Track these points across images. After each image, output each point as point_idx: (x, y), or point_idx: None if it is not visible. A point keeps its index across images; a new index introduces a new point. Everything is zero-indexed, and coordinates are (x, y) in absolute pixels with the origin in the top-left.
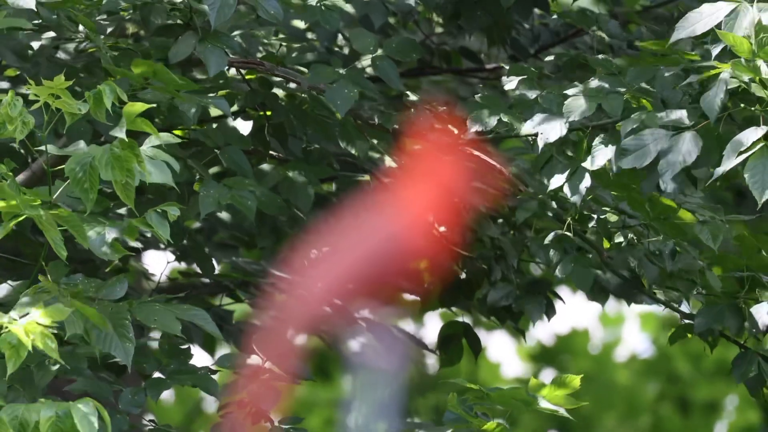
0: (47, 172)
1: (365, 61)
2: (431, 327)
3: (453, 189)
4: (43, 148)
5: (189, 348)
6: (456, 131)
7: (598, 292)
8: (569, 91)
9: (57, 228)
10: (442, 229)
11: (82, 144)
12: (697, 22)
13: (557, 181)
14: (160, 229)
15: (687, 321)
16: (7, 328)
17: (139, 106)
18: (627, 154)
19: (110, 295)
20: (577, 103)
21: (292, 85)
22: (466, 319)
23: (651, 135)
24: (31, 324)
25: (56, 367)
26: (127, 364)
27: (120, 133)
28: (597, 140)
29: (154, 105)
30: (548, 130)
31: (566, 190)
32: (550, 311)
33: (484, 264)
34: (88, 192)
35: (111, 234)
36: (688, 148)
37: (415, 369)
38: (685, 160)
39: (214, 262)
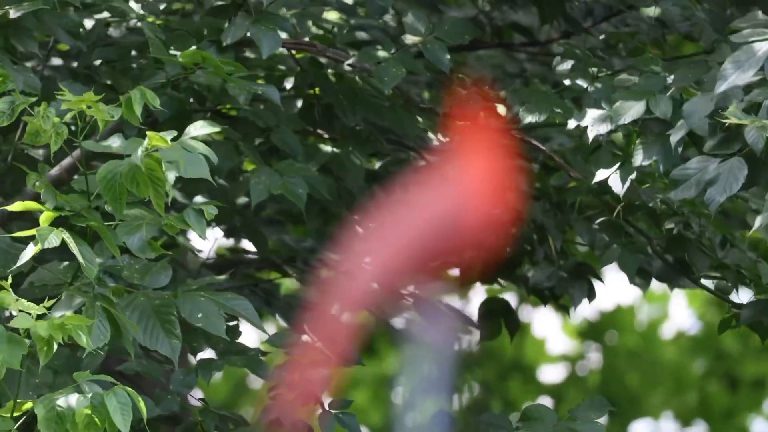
0: (84, 174)
1: (415, 38)
2: (477, 303)
3: (499, 168)
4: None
5: (237, 325)
6: (502, 111)
7: (641, 276)
8: (617, 95)
9: (86, 245)
10: (488, 207)
11: (117, 141)
12: (738, 69)
13: (603, 173)
14: (197, 228)
15: (735, 311)
16: (34, 326)
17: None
18: (676, 186)
19: (155, 283)
20: (627, 105)
21: (343, 65)
22: (512, 296)
23: (697, 165)
24: (55, 322)
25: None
26: (174, 360)
27: (137, 160)
28: (641, 139)
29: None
30: (598, 125)
31: (611, 182)
32: (591, 295)
33: (527, 243)
34: (118, 202)
35: (148, 233)
36: (734, 176)
37: (461, 344)
38: (731, 190)
39: (269, 239)
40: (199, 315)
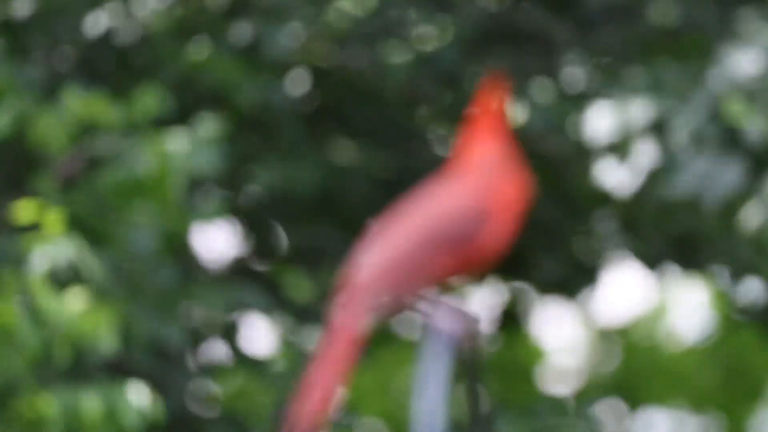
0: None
1: (424, 36)
2: (480, 301)
3: (511, 165)
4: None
5: (236, 324)
6: (511, 109)
7: (651, 266)
8: (623, 95)
9: (94, 258)
10: (501, 205)
11: (124, 140)
12: (738, 59)
13: (607, 175)
14: (204, 223)
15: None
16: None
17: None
18: (675, 184)
19: (162, 284)
20: (632, 106)
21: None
22: (521, 293)
23: (695, 163)
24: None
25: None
26: (175, 349)
27: (141, 168)
28: (646, 137)
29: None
30: (604, 125)
31: (617, 180)
32: (597, 290)
33: (536, 240)
34: (124, 206)
35: (156, 233)
36: (730, 177)
37: (470, 343)
38: (729, 188)
39: (277, 238)
40: (204, 306)
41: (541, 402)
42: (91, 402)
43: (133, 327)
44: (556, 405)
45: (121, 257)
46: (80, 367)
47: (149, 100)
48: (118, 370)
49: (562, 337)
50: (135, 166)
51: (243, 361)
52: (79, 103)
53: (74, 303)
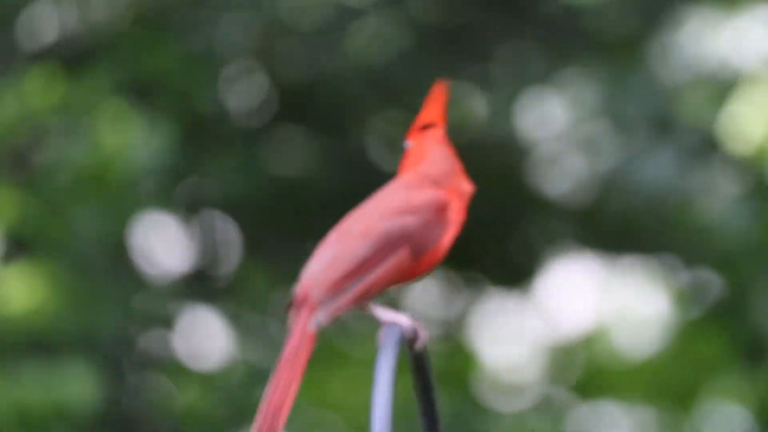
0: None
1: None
2: (425, 309)
3: (459, 171)
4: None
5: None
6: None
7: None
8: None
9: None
10: (449, 209)
11: (70, 129)
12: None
13: (551, 179)
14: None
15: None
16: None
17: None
18: (616, 183)
19: (109, 280)
20: (573, 106)
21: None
22: (468, 294)
23: (633, 161)
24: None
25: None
26: (119, 349)
27: (86, 161)
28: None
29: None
30: (544, 130)
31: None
32: (551, 290)
33: (483, 241)
34: (70, 196)
35: (101, 224)
36: (668, 169)
37: (419, 344)
38: (665, 184)
39: (233, 251)
40: (155, 309)
41: (484, 414)
42: (34, 389)
43: (80, 316)
44: (502, 418)
45: (67, 246)
46: (25, 353)
47: (100, 80)
48: (64, 358)
49: (511, 349)
50: (81, 158)
51: (195, 371)
52: (29, 82)
53: (22, 282)
